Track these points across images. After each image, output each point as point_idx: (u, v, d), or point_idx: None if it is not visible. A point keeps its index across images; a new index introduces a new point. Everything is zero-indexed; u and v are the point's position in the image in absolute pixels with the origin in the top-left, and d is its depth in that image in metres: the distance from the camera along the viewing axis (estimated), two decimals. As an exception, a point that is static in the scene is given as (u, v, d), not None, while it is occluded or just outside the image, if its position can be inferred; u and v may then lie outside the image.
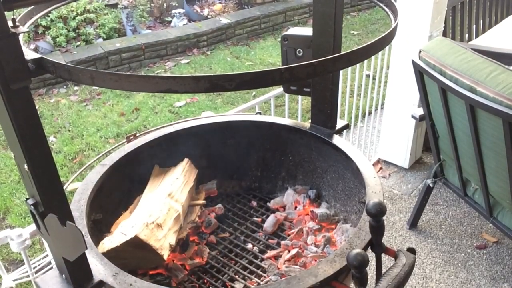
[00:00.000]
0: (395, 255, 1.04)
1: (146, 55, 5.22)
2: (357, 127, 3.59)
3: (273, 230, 1.50)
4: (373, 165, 3.12)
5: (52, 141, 3.82)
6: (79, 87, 4.74)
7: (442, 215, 2.69)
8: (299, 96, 2.53)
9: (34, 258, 1.53)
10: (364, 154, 3.13)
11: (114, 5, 5.79)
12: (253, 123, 1.64)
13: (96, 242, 1.20)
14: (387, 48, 2.82)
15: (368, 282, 0.94)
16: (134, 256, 1.22)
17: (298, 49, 1.51)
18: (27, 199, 0.88)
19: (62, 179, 3.03)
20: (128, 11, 5.66)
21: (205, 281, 1.32)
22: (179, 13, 6.05)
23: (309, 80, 1.54)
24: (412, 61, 1.99)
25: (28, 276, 1.45)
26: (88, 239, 1.11)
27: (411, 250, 1.05)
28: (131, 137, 1.55)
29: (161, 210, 1.30)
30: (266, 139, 1.65)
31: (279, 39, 2.46)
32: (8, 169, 3.42)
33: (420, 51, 1.95)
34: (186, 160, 1.54)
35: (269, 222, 1.51)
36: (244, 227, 1.55)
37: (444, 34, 2.87)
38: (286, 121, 1.62)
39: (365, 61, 2.85)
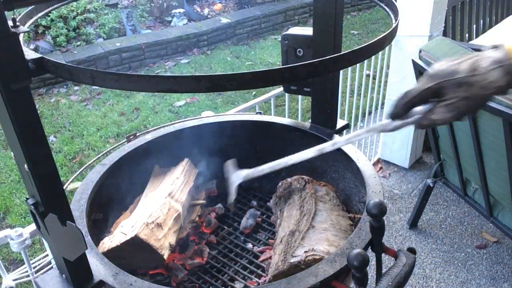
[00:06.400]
0: (395, 255, 1.04)
1: (146, 54, 5.22)
2: (357, 127, 3.59)
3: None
4: (373, 165, 3.12)
5: (52, 140, 3.82)
6: (79, 86, 4.74)
7: (442, 215, 2.69)
8: (299, 96, 2.53)
9: (34, 258, 1.53)
10: (364, 154, 3.13)
11: (114, 5, 5.79)
12: (253, 123, 1.64)
13: (96, 242, 1.20)
14: (387, 48, 2.82)
15: (368, 282, 0.94)
16: (134, 256, 1.21)
17: (299, 49, 1.50)
18: (27, 199, 0.88)
19: (62, 179, 3.03)
20: (128, 11, 5.66)
21: (205, 281, 1.32)
22: (179, 12, 6.05)
23: (309, 80, 1.54)
24: (412, 60, 1.99)
25: (28, 276, 1.45)
26: (88, 239, 1.11)
27: (411, 250, 1.05)
28: (131, 137, 1.55)
29: (161, 210, 1.30)
30: (266, 139, 1.65)
31: (279, 39, 2.46)
32: (8, 169, 3.42)
33: (420, 51, 1.95)
34: (186, 160, 1.54)
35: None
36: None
37: (444, 34, 2.87)
38: (286, 120, 1.62)
39: (365, 61, 2.85)
